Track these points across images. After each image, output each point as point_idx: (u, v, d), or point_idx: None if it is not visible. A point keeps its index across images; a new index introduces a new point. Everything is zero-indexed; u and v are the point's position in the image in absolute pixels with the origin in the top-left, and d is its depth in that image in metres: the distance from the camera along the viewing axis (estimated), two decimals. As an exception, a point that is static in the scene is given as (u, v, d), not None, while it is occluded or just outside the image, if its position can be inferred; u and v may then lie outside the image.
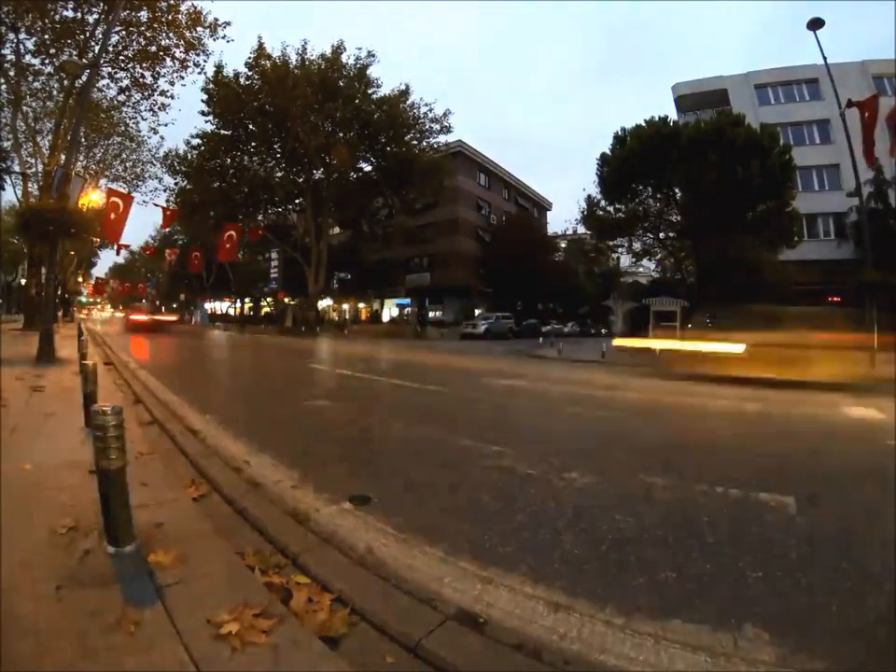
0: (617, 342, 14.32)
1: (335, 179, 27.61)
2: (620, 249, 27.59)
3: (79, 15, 14.71)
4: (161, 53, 16.16)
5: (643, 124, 21.77)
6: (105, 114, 18.83)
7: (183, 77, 17.06)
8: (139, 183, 23.87)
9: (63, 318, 29.92)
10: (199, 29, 16.14)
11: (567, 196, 68.30)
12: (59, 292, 25.85)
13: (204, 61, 17.35)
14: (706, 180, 18.85)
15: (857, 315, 10.92)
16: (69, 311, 36.77)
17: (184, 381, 7.62)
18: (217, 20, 16.32)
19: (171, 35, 15.88)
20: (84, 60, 13.63)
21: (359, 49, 25.82)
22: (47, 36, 14.92)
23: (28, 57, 15.42)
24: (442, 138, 28.39)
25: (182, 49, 16.27)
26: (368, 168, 29.23)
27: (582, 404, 6.56)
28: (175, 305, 59.67)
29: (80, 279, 44.44)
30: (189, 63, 16.68)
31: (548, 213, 50.31)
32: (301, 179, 28.68)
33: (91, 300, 63.02)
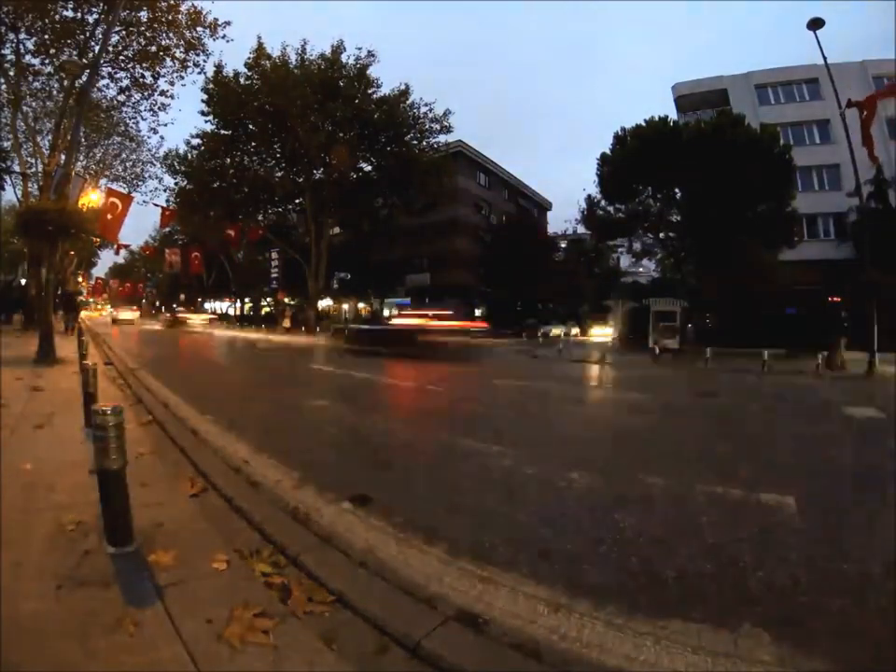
0: None
1: (335, 179, 27.58)
2: (620, 249, 27.57)
3: (79, 15, 14.67)
4: (161, 53, 16.11)
5: (643, 124, 21.77)
6: (104, 114, 18.79)
7: (183, 77, 17.02)
8: (139, 183, 23.77)
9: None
10: (199, 29, 16.10)
11: (567, 196, 68.12)
12: (59, 292, 25.80)
13: (204, 61, 17.31)
14: (705, 180, 18.85)
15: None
16: (70, 315, 36.71)
17: (184, 381, 7.62)
18: (216, 20, 16.30)
19: (171, 34, 15.84)
20: (84, 60, 13.62)
21: (359, 49, 25.82)
22: (47, 36, 14.88)
23: (28, 57, 15.39)
24: (442, 138, 28.41)
25: (182, 49, 16.23)
26: (368, 168, 29.21)
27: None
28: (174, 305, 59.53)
29: (80, 279, 44.46)
30: (189, 63, 16.64)
31: (548, 213, 50.30)
32: (301, 179, 28.65)
33: (91, 300, 62.97)
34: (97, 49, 13.93)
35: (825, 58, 12.85)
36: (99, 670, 1.30)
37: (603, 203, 23.87)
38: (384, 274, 35.08)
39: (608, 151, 22.82)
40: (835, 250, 22.35)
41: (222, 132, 27.19)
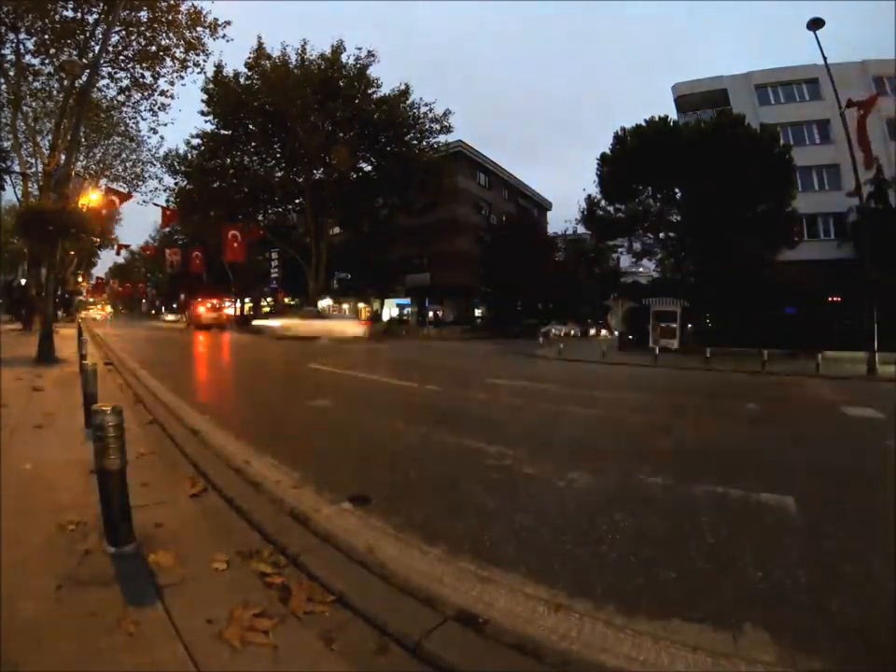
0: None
1: (335, 179, 27.58)
2: (620, 249, 27.58)
3: (79, 15, 14.68)
4: (161, 53, 16.13)
5: (643, 124, 21.78)
6: (104, 114, 18.79)
7: (183, 77, 17.05)
8: (139, 183, 23.75)
9: (63, 318, 29.97)
10: (199, 29, 16.13)
11: (567, 196, 67.85)
12: (59, 292, 25.80)
13: (204, 61, 17.34)
14: (705, 180, 18.86)
15: None
16: (69, 311, 36.83)
17: (183, 381, 7.62)
18: (216, 20, 16.32)
19: (171, 35, 15.86)
20: (84, 60, 13.62)
21: (359, 48, 25.83)
22: (47, 36, 14.89)
23: (28, 57, 15.41)
24: (442, 138, 28.42)
25: (182, 49, 16.26)
26: (368, 168, 29.22)
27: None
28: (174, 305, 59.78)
29: (80, 279, 44.51)
30: (188, 63, 16.66)
31: (548, 213, 50.30)
32: (301, 179, 28.66)
33: (90, 300, 63.07)
34: (97, 49, 13.95)
35: (825, 58, 12.85)
36: (99, 670, 1.30)
37: (603, 202, 23.88)
38: (384, 274, 35.08)
39: (608, 151, 22.83)
40: (835, 250, 22.33)
41: (222, 132, 27.21)
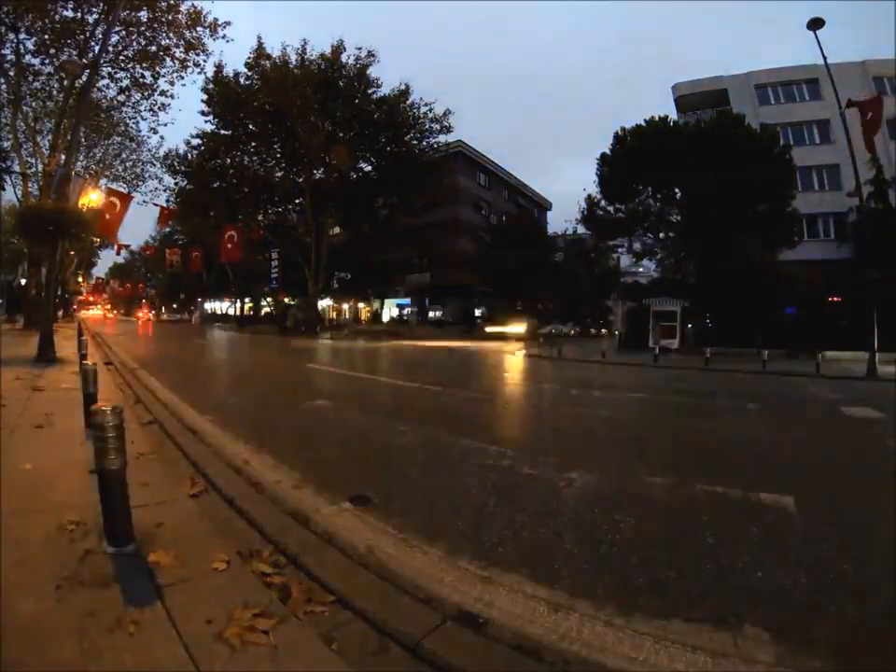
0: None
1: (335, 179, 27.59)
2: (620, 249, 27.58)
3: (79, 15, 14.69)
4: (161, 53, 16.15)
5: (643, 124, 21.80)
6: (104, 114, 18.80)
7: (183, 77, 17.06)
8: (139, 183, 23.72)
9: (63, 318, 29.98)
10: (199, 29, 16.15)
11: (567, 196, 67.68)
12: (58, 292, 25.76)
13: (204, 61, 17.35)
14: (705, 180, 18.86)
15: None
16: (69, 311, 36.87)
17: (184, 380, 7.62)
18: (216, 20, 16.33)
19: (171, 34, 15.88)
20: (84, 60, 13.62)
21: (359, 48, 25.83)
22: (47, 36, 14.90)
23: (28, 57, 15.42)
24: (442, 138, 28.41)
25: (182, 49, 16.27)
26: (368, 168, 29.22)
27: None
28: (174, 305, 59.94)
29: (80, 279, 44.51)
30: (188, 63, 16.68)
31: (548, 213, 50.30)
32: (300, 179, 28.66)
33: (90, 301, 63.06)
34: (97, 49, 13.94)
35: (825, 58, 12.84)
36: (99, 670, 1.30)
37: (603, 203, 23.88)
38: (384, 274, 35.05)
39: (608, 151, 22.84)
40: (835, 250, 22.32)
41: (222, 132, 27.22)
